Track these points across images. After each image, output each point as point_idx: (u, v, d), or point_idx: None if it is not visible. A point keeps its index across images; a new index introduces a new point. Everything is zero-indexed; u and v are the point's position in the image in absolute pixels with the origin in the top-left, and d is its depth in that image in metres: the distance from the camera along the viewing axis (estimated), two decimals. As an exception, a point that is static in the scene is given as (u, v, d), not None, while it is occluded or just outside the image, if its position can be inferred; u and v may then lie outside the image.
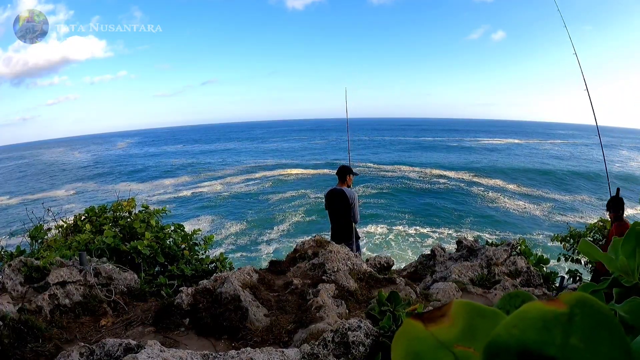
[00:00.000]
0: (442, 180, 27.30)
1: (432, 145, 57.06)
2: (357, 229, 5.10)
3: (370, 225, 17.45)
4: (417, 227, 17.57)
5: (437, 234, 16.54)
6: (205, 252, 4.47)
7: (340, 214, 4.78)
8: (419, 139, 69.40)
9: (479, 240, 5.46)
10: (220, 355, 1.86)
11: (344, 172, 4.82)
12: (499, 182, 27.15)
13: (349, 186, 4.85)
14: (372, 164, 33.43)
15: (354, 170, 5.02)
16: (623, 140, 75.70)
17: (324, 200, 5.01)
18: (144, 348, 1.78)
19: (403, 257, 13.67)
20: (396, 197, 22.74)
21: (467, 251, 5.04)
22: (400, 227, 17.52)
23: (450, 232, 16.85)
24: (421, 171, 30.45)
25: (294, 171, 31.44)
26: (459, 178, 28.12)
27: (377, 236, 16.41)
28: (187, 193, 27.35)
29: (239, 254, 15.02)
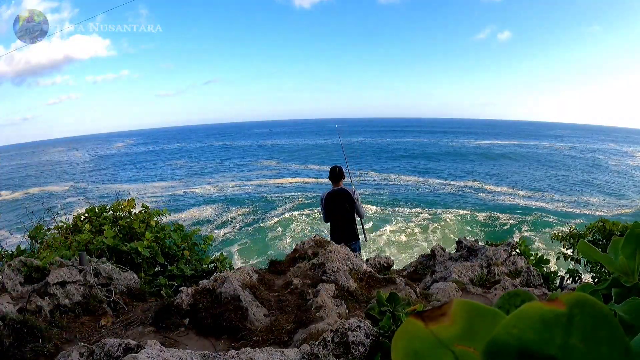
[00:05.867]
0: (447, 187, 27.00)
1: (433, 147, 56.84)
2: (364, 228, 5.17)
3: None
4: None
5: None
6: (205, 252, 4.47)
7: (346, 211, 4.76)
8: (421, 141, 69.09)
9: (479, 240, 5.46)
10: (220, 355, 1.86)
11: (341, 175, 4.83)
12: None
13: None
14: (373, 172, 33.30)
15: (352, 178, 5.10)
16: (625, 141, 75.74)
17: (320, 202, 4.97)
18: (144, 348, 1.78)
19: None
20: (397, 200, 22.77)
21: (466, 251, 5.04)
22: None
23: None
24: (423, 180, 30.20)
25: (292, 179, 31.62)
26: (465, 185, 27.81)
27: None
28: (181, 191, 27.47)
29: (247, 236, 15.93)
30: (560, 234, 5.92)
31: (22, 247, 3.65)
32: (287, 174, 33.04)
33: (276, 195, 23.88)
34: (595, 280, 4.86)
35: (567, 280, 4.97)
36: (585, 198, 23.42)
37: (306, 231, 16.61)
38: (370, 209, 18.90)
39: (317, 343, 1.89)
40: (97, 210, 4.30)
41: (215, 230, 16.94)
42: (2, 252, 3.67)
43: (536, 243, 14.71)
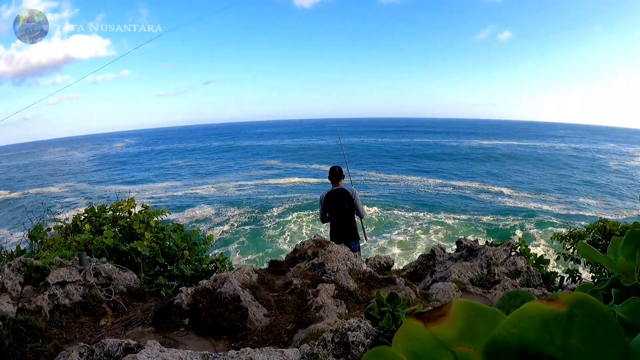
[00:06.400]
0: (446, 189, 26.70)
1: (434, 148, 56.67)
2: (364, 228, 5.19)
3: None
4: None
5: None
6: (204, 252, 4.47)
7: (346, 211, 4.76)
8: (423, 141, 68.96)
9: (479, 240, 5.46)
10: (220, 355, 1.86)
11: (340, 175, 4.84)
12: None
13: None
14: (374, 173, 33.21)
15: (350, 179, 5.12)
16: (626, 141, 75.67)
17: (319, 203, 4.97)
18: (144, 348, 1.78)
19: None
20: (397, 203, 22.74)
21: (466, 251, 5.04)
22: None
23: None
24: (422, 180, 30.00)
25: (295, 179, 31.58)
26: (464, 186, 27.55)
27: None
28: (182, 191, 27.48)
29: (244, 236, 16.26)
30: (560, 234, 5.92)
31: (22, 247, 3.65)
32: (287, 174, 33.04)
33: (276, 195, 23.91)
34: (595, 281, 4.87)
35: (567, 280, 4.97)
36: (587, 200, 23.39)
37: (305, 231, 16.64)
38: (370, 210, 18.90)
39: (317, 343, 1.89)
40: (96, 210, 4.30)
41: (215, 230, 16.97)
42: (2, 252, 3.67)
43: (536, 241, 14.72)
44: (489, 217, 18.69)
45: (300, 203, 21.24)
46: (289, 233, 16.44)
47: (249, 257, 13.84)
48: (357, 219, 4.99)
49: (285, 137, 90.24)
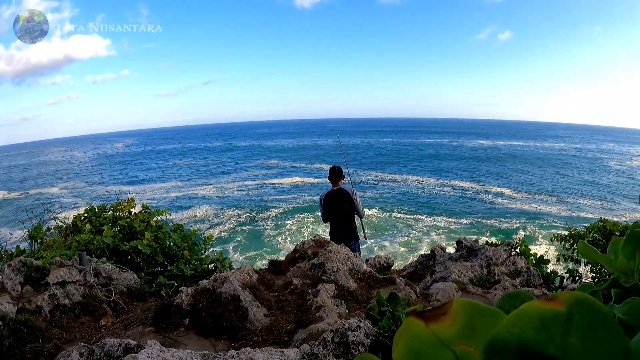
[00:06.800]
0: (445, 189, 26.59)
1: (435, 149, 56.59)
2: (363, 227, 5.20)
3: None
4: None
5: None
6: (205, 252, 4.47)
7: (345, 211, 4.77)
8: (423, 141, 68.83)
9: (479, 240, 5.46)
10: (220, 355, 1.86)
11: (340, 175, 4.85)
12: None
13: None
14: (374, 173, 33.17)
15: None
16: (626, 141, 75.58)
17: (319, 204, 4.97)
18: (144, 348, 1.78)
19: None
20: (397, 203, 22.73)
21: (466, 251, 5.04)
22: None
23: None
24: (422, 180, 29.93)
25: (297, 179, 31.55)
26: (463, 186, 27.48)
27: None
28: (182, 191, 27.45)
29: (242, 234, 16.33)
30: (560, 235, 5.92)
31: (22, 247, 3.65)
32: (288, 174, 33.07)
33: (277, 195, 23.95)
34: (595, 281, 4.87)
35: (567, 280, 4.97)
36: (588, 200, 23.36)
37: (306, 231, 16.64)
38: (370, 211, 18.88)
39: (317, 343, 1.89)
40: (97, 210, 4.30)
41: (215, 230, 16.97)
42: (2, 252, 3.68)
43: (538, 242, 14.72)
44: (490, 219, 18.66)
45: (300, 203, 21.27)
46: (289, 233, 16.46)
47: (248, 255, 13.87)
48: (356, 219, 4.99)
49: (286, 137, 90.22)
